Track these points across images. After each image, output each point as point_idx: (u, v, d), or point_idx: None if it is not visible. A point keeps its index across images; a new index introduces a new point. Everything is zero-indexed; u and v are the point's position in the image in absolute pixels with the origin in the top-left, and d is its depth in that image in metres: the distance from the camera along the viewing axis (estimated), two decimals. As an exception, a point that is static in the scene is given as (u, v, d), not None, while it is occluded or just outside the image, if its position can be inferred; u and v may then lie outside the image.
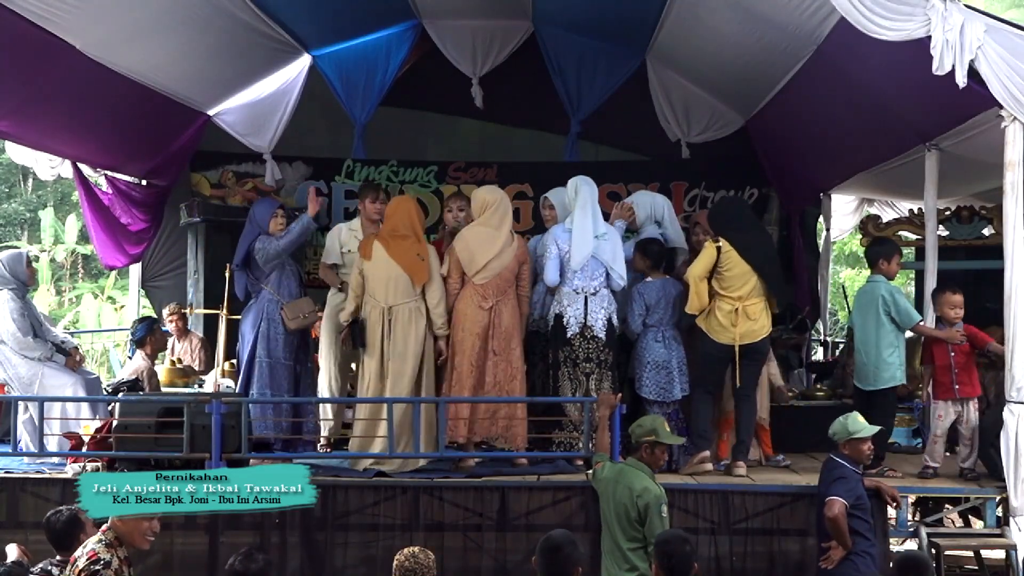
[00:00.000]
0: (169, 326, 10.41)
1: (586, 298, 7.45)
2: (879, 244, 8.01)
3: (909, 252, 10.10)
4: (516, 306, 7.56)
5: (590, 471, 6.60)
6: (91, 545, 4.71)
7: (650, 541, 5.66)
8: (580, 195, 7.56)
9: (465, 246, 7.43)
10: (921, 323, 7.49)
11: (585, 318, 7.43)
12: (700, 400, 7.51)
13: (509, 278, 7.51)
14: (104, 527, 4.78)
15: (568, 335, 7.43)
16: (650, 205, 8.19)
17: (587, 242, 7.44)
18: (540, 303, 7.80)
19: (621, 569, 5.78)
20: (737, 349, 7.35)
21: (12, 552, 5.73)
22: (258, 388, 7.67)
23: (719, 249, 7.40)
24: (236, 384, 8.62)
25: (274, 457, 7.58)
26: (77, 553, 4.74)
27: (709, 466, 7.34)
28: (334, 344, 8.12)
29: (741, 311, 7.36)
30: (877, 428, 6.55)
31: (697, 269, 7.44)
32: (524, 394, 7.56)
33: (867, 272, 8.01)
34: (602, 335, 7.45)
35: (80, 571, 4.62)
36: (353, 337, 7.57)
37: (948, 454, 8.32)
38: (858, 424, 6.35)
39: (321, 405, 8.16)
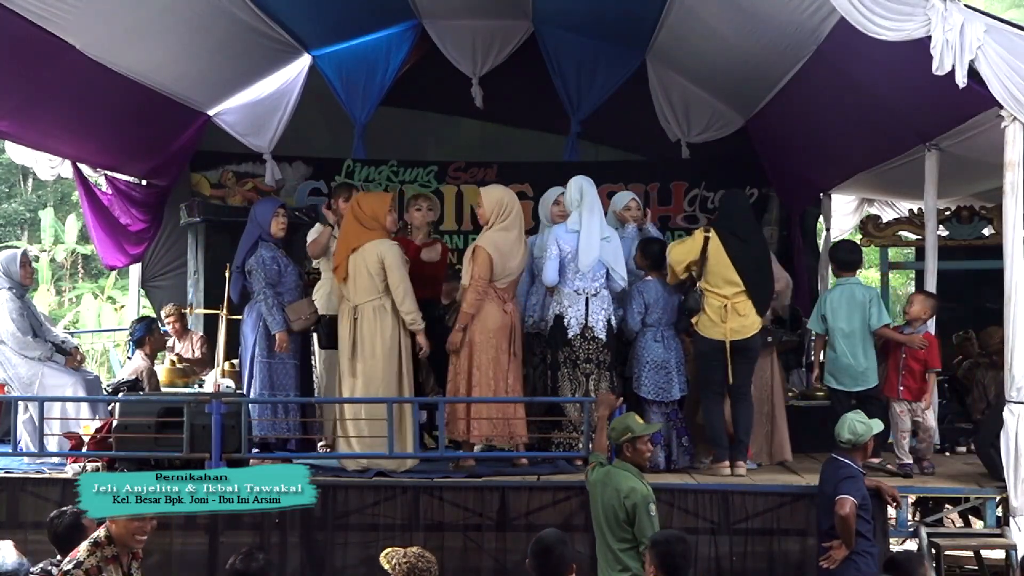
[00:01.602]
0: (168, 327, 10.40)
1: (587, 299, 7.44)
2: (856, 250, 8.04)
3: (909, 252, 10.11)
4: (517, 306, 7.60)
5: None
6: (81, 544, 4.73)
7: (641, 541, 5.65)
8: (587, 197, 7.53)
9: (497, 253, 7.36)
10: (886, 327, 7.58)
11: (586, 319, 7.42)
12: (711, 403, 7.48)
13: (519, 280, 7.56)
14: (101, 526, 4.80)
15: (569, 336, 7.42)
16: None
17: (596, 245, 7.42)
18: (540, 304, 7.80)
19: (614, 570, 5.75)
20: (728, 345, 7.35)
21: (10, 552, 5.71)
22: (257, 390, 7.66)
23: (707, 239, 7.41)
24: (237, 384, 8.62)
25: (274, 457, 7.58)
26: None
27: (727, 471, 7.32)
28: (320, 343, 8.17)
29: (731, 307, 7.37)
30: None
31: (675, 254, 7.48)
32: (524, 394, 7.56)
33: (870, 272, 8.02)
34: (602, 336, 7.44)
35: (59, 572, 4.64)
36: (326, 335, 7.61)
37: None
38: (873, 423, 6.39)
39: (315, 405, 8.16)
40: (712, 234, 7.43)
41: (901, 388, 7.51)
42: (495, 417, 7.34)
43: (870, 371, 7.52)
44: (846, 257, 7.84)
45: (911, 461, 7.46)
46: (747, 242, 7.53)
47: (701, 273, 7.41)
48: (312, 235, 8.24)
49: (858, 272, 7.97)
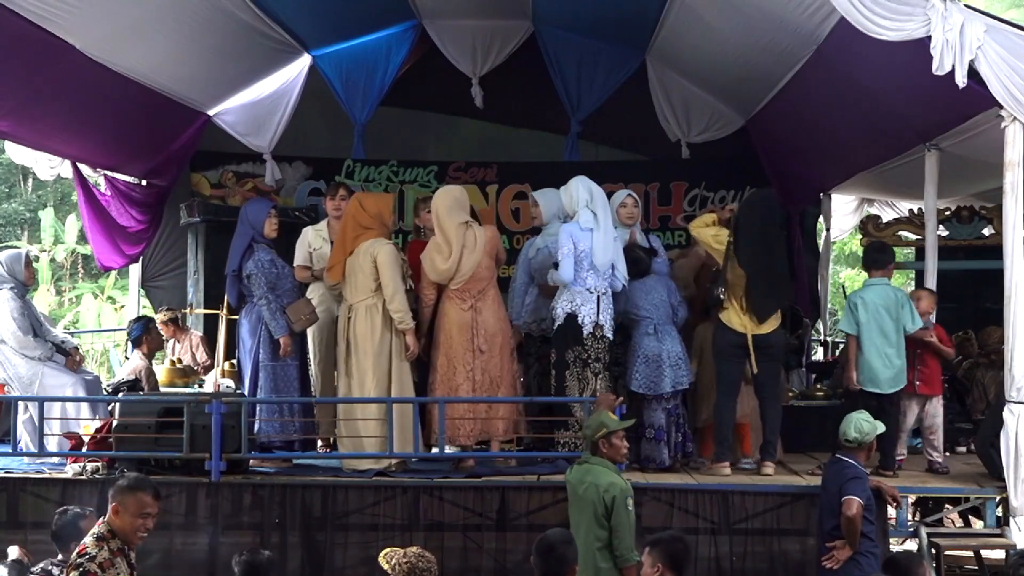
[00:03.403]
0: (164, 331, 10.35)
1: (598, 297, 7.45)
2: (886, 249, 8.00)
3: (909, 252, 10.12)
4: (498, 302, 7.51)
5: None
6: (84, 539, 4.74)
7: (616, 534, 5.68)
8: (598, 196, 7.56)
9: (429, 260, 7.44)
10: (923, 329, 7.56)
11: (597, 317, 7.42)
12: (724, 400, 7.47)
13: (485, 275, 7.45)
14: (100, 520, 4.81)
15: (583, 335, 7.39)
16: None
17: (611, 243, 7.46)
18: (532, 306, 7.78)
19: (589, 570, 5.76)
20: (750, 339, 7.34)
21: (13, 553, 5.73)
22: (266, 394, 7.64)
23: (729, 251, 7.44)
24: (236, 384, 8.62)
25: (275, 458, 7.58)
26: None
27: (728, 471, 7.32)
28: (314, 341, 8.14)
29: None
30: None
31: (718, 236, 7.52)
32: (516, 389, 7.51)
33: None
34: (610, 335, 7.45)
35: (69, 566, 4.66)
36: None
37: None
38: (878, 423, 6.40)
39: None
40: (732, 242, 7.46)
41: (917, 383, 7.51)
42: (456, 417, 7.34)
43: (903, 371, 7.49)
44: (873, 256, 7.80)
45: (903, 456, 7.51)
46: (761, 247, 7.50)
47: (725, 272, 7.42)
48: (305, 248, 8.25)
49: (860, 272, 7.98)
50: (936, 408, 7.62)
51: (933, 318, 7.87)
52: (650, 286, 7.66)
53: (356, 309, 7.39)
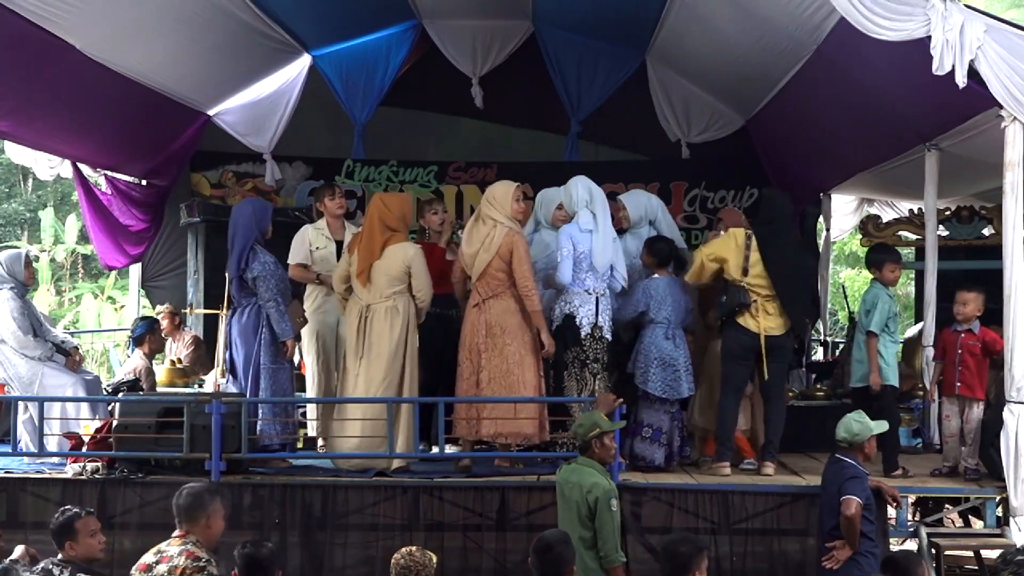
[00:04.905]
0: (164, 321, 10.36)
1: (597, 298, 7.44)
2: (874, 251, 7.98)
3: (909, 252, 10.11)
4: (512, 302, 7.37)
5: None
6: (186, 547, 4.91)
7: (600, 535, 5.70)
8: (597, 197, 7.56)
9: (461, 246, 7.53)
10: (872, 338, 7.44)
11: (596, 318, 7.42)
12: (729, 402, 7.45)
13: (496, 274, 7.36)
14: (179, 532, 5.00)
15: (581, 335, 7.39)
16: (644, 206, 8.12)
17: (610, 245, 7.45)
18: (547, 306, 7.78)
19: (579, 569, 5.76)
20: (763, 340, 7.32)
21: (18, 553, 5.72)
22: (268, 396, 7.63)
23: (750, 236, 7.37)
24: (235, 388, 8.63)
25: (274, 458, 7.58)
26: (162, 567, 4.88)
27: (727, 471, 7.31)
28: (315, 342, 8.15)
29: (761, 304, 7.35)
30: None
31: (707, 248, 7.47)
32: (530, 387, 7.49)
33: (867, 272, 8.02)
34: (609, 336, 7.45)
35: (182, 570, 4.79)
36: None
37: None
38: (875, 424, 6.39)
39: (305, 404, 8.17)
40: (752, 234, 7.42)
41: (959, 384, 7.31)
42: (464, 417, 7.36)
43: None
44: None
45: (951, 464, 7.38)
46: (783, 245, 7.47)
47: (746, 270, 7.37)
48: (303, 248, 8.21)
49: (860, 272, 7.98)
50: (976, 413, 7.30)
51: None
52: (674, 288, 7.63)
53: (375, 309, 7.37)
